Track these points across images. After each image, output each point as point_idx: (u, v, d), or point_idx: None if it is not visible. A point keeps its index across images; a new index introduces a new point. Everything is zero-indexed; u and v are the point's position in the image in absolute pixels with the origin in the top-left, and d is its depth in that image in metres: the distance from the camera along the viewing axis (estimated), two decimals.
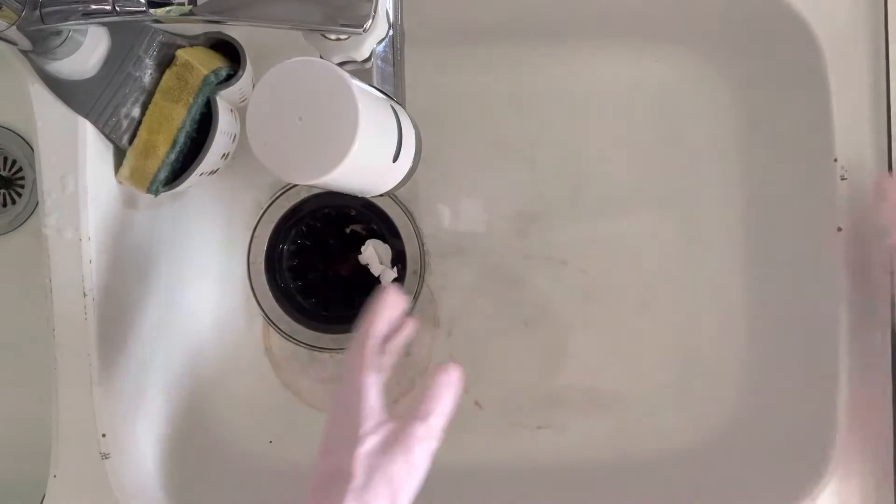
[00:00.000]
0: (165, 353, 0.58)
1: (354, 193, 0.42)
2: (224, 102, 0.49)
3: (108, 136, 0.48)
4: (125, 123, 0.48)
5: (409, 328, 0.46)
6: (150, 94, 0.48)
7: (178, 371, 0.60)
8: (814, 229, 0.54)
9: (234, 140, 0.52)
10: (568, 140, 0.64)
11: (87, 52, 0.45)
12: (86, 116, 0.47)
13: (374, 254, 0.64)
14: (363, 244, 0.65)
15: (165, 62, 0.48)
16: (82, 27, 0.44)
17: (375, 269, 0.65)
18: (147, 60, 0.47)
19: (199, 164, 0.49)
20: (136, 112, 0.48)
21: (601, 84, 0.63)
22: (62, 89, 0.46)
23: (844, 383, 0.51)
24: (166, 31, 0.48)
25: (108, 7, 0.39)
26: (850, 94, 0.51)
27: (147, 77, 0.48)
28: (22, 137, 0.64)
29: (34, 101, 0.47)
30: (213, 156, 0.49)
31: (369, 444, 0.39)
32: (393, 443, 0.39)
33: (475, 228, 0.65)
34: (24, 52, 0.45)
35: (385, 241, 0.66)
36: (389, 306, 0.44)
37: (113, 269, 0.50)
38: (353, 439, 0.39)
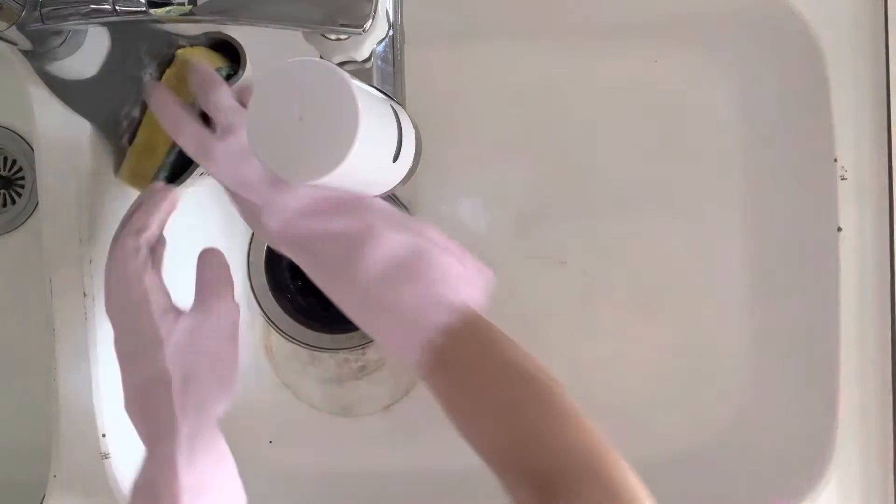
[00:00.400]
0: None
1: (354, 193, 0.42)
2: None
3: (107, 137, 0.48)
4: (125, 123, 0.48)
5: (168, 201, 0.44)
6: None
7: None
8: (814, 229, 0.54)
9: None
10: (568, 140, 0.64)
11: (87, 53, 0.45)
12: (85, 116, 0.47)
13: None
14: None
15: (165, 62, 0.48)
16: (82, 27, 0.44)
17: None
18: (147, 60, 0.47)
19: (198, 165, 0.49)
20: (135, 112, 0.48)
21: (602, 84, 0.63)
22: (62, 89, 0.46)
23: (844, 383, 0.51)
24: (166, 32, 0.48)
25: (108, 7, 0.39)
26: (850, 94, 0.51)
27: (147, 77, 0.47)
28: (22, 137, 0.64)
29: (34, 101, 0.47)
30: None
31: (174, 343, 0.39)
32: (197, 332, 0.40)
33: (475, 228, 0.65)
34: (24, 52, 0.45)
35: None
36: (155, 204, 0.43)
37: None
38: (157, 342, 0.38)
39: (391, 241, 0.37)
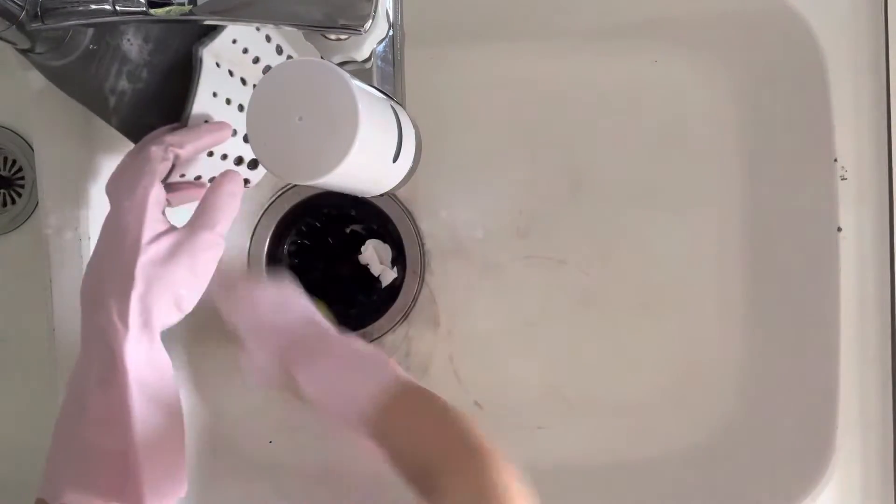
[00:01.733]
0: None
1: (354, 193, 0.42)
2: (211, 60, 0.47)
3: (101, 117, 0.46)
4: (113, 100, 0.44)
5: (214, 134, 0.44)
6: (138, 66, 0.44)
7: (177, 371, 0.60)
8: (814, 229, 0.54)
9: (241, 110, 0.48)
10: (568, 140, 0.64)
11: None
12: (79, 101, 0.45)
13: (374, 254, 0.64)
14: (363, 244, 0.66)
15: (144, 26, 0.43)
16: (82, 27, 0.44)
17: (375, 270, 0.65)
18: (123, 27, 0.43)
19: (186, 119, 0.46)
20: (123, 85, 0.43)
21: (601, 84, 0.63)
22: (54, 74, 0.45)
23: (844, 383, 0.51)
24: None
25: (108, 7, 0.39)
26: (850, 94, 0.51)
27: (126, 43, 0.43)
28: (22, 137, 0.64)
29: (34, 101, 0.47)
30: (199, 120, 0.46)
31: (152, 252, 0.39)
32: (178, 251, 0.40)
33: (475, 228, 0.65)
34: (24, 52, 0.45)
35: (385, 241, 0.66)
36: (199, 131, 0.43)
37: None
38: (136, 249, 0.39)
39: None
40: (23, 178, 0.64)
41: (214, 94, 0.45)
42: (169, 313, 0.41)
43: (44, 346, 0.49)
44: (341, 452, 0.65)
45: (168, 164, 0.42)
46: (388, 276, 0.64)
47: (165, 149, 0.41)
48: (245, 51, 0.47)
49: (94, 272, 0.41)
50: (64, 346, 0.48)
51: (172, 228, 0.41)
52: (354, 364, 0.48)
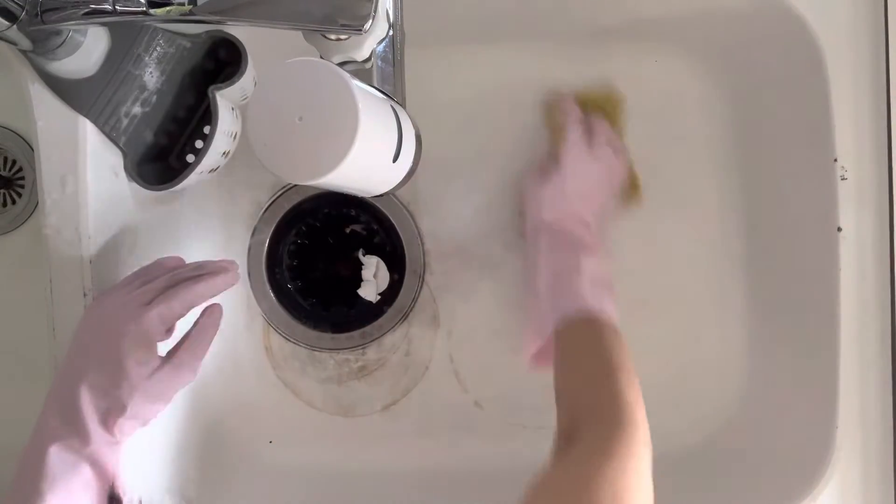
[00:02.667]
0: (165, 353, 0.58)
1: (354, 193, 0.42)
2: (225, 101, 0.49)
3: (108, 135, 0.48)
4: (125, 122, 0.48)
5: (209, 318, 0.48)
6: (152, 93, 0.48)
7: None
8: (814, 229, 0.54)
9: (234, 138, 0.52)
10: None
11: (86, 52, 0.45)
12: (86, 115, 0.47)
13: (373, 270, 0.65)
14: (363, 245, 0.66)
15: (165, 60, 0.48)
16: (82, 27, 0.44)
17: (366, 275, 0.65)
18: (147, 59, 0.47)
19: (198, 164, 0.49)
20: (136, 110, 0.48)
21: (602, 84, 0.63)
22: (62, 88, 0.46)
23: (844, 383, 0.51)
24: (167, 30, 0.48)
25: (108, 7, 0.39)
26: (850, 94, 0.51)
27: (147, 75, 0.47)
28: (22, 137, 0.64)
29: (34, 101, 0.47)
30: (213, 154, 0.49)
31: (144, 387, 0.43)
32: (158, 384, 0.44)
33: (475, 228, 0.65)
34: (24, 52, 0.45)
35: (385, 244, 0.66)
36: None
37: (113, 268, 0.50)
38: (137, 386, 0.43)
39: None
40: (23, 178, 0.64)
41: (223, 132, 0.50)
42: (134, 429, 0.44)
43: (44, 346, 0.49)
44: (341, 452, 0.65)
45: (179, 316, 0.45)
46: (369, 290, 0.64)
47: (183, 308, 0.45)
48: (244, 98, 0.51)
49: (83, 397, 0.43)
50: (64, 346, 0.48)
51: (162, 362, 0.44)
52: (594, 274, 0.53)
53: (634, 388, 0.47)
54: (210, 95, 0.48)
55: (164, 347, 0.45)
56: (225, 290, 0.47)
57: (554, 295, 0.53)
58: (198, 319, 0.48)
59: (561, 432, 0.45)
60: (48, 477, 0.41)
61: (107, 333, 0.44)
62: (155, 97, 0.49)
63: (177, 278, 0.46)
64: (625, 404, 0.44)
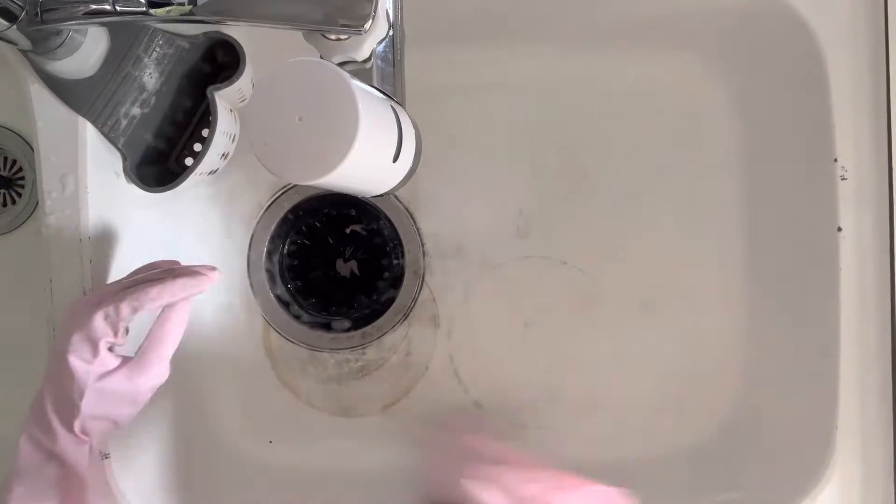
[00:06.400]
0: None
1: (354, 193, 0.42)
2: (223, 102, 0.49)
3: (106, 136, 0.48)
4: (124, 123, 0.48)
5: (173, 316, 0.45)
6: (151, 94, 0.48)
7: (178, 371, 0.60)
8: (814, 229, 0.54)
9: (233, 140, 0.52)
10: (568, 140, 0.64)
11: (86, 52, 0.45)
12: (85, 116, 0.47)
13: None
14: (363, 245, 0.66)
15: (164, 61, 0.48)
16: (82, 27, 0.44)
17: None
18: (146, 60, 0.47)
19: (197, 165, 0.49)
20: (135, 111, 0.48)
21: (602, 85, 0.63)
22: (61, 88, 0.46)
23: (844, 383, 0.51)
24: (166, 31, 0.48)
25: (108, 7, 0.39)
26: (850, 94, 0.51)
27: (146, 76, 0.47)
28: (22, 137, 0.64)
29: (34, 101, 0.47)
30: (212, 156, 0.49)
31: (99, 386, 0.43)
32: (124, 384, 0.43)
33: (475, 228, 0.65)
34: (24, 52, 0.45)
35: (385, 244, 0.66)
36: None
37: (113, 269, 0.50)
38: (84, 385, 0.42)
39: None
40: (23, 178, 0.64)
41: (221, 132, 0.49)
42: (106, 429, 0.45)
43: (44, 346, 0.49)
44: (341, 452, 0.65)
45: (126, 320, 0.43)
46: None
47: (131, 309, 0.43)
48: (242, 99, 0.51)
49: (47, 396, 0.44)
50: None
51: (122, 363, 0.44)
52: None
53: None
54: (209, 96, 0.48)
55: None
56: (185, 295, 0.44)
57: None
58: (159, 316, 0.45)
59: None
60: (19, 471, 0.42)
61: (62, 333, 0.44)
62: (154, 98, 0.49)
63: (139, 280, 0.45)
64: None
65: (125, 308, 0.43)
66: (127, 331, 0.44)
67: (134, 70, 0.47)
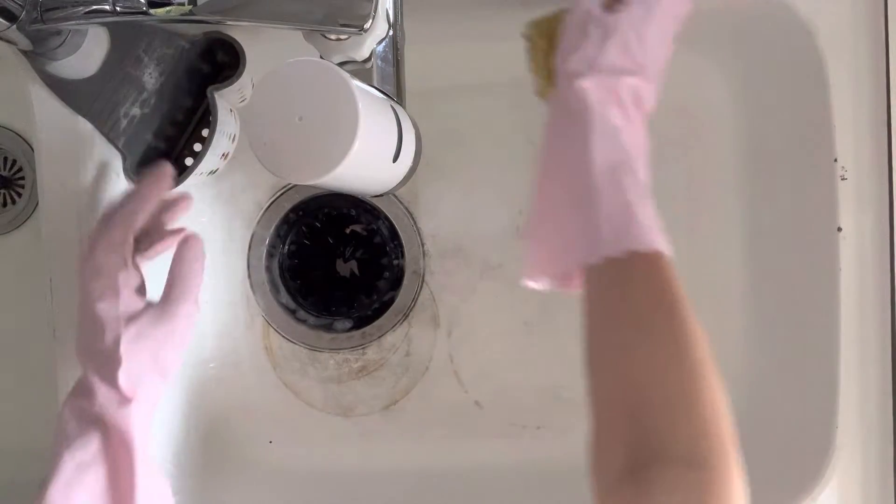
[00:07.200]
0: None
1: (354, 193, 0.42)
2: (223, 102, 0.49)
3: (106, 136, 0.48)
4: (124, 123, 0.48)
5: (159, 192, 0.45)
6: (151, 94, 0.48)
7: (178, 371, 0.60)
8: (814, 229, 0.54)
9: (233, 140, 0.52)
10: None
11: (86, 53, 0.45)
12: (85, 116, 0.47)
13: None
14: (363, 245, 0.66)
15: (164, 61, 0.48)
16: (82, 27, 0.44)
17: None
18: (146, 60, 0.47)
19: (197, 165, 0.49)
20: (135, 111, 0.48)
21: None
22: (61, 88, 0.46)
23: (844, 383, 0.51)
24: (166, 31, 0.48)
25: (108, 7, 0.39)
26: (850, 93, 0.51)
27: (146, 76, 0.47)
28: (22, 137, 0.64)
29: (34, 101, 0.47)
30: (212, 156, 0.49)
31: (133, 331, 0.41)
32: (155, 327, 0.42)
33: (475, 228, 0.65)
34: (24, 52, 0.45)
35: (385, 244, 0.66)
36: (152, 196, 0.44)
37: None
38: (116, 329, 0.41)
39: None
40: (23, 178, 0.64)
41: (222, 133, 0.49)
42: (154, 384, 0.42)
43: (44, 346, 0.49)
44: (341, 452, 0.65)
45: (131, 243, 0.43)
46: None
47: (125, 231, 0.43)
48: (242, 99, 0.51)
49: (83, 360, 0.42)
50: (64, 346, 0.48)
51: (148, 306, 0.43)
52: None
53: (721, 398, 0.33)
54: (209, 95, 0.48)
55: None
56: (157, 194, 0.44)
57: (604, 204, 0.37)
58: (175, 253, 0.45)
59: (609, 452, 0.32)
60: (59, 445, 0.40)
61: (79, 293, 0.43)
62: (154, 98, 0.49)
63: (114, 210, 0.44)
64: (717, 434, 0.33)
65: (117, 233, 0.42)
66: (137, 266, 0.43)
67: (134, 70, 0.47)
